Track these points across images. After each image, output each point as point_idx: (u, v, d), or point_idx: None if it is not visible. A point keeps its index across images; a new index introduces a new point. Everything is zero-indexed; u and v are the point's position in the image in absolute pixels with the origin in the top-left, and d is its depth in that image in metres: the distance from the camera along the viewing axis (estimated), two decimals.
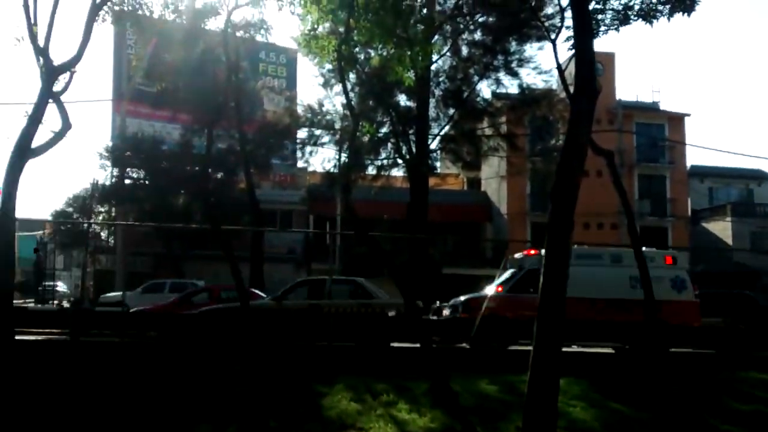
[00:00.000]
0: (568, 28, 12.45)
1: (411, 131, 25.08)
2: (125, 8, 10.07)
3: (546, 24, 18.03)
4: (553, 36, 12.62)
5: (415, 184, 24.89)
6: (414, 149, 24.73)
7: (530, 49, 24.94)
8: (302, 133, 28.56)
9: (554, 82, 24.81)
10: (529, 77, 29.51)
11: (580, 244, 20.36)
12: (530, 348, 7.21)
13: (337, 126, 26.36)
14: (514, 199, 38.20)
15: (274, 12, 68.53)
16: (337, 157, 27.96)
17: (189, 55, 13.28)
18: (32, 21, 8.29)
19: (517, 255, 18.07)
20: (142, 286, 27.98)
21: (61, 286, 47.33)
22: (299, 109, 28.01)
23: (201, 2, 12.55)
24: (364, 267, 27.23)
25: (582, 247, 18.93)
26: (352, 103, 13.41)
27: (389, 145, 25.91)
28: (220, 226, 9.92)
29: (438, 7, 23.21)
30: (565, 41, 11.56)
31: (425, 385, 9.91)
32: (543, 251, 7.46)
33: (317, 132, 26.87)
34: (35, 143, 8.90)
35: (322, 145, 27.11)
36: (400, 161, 25.96)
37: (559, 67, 12.42)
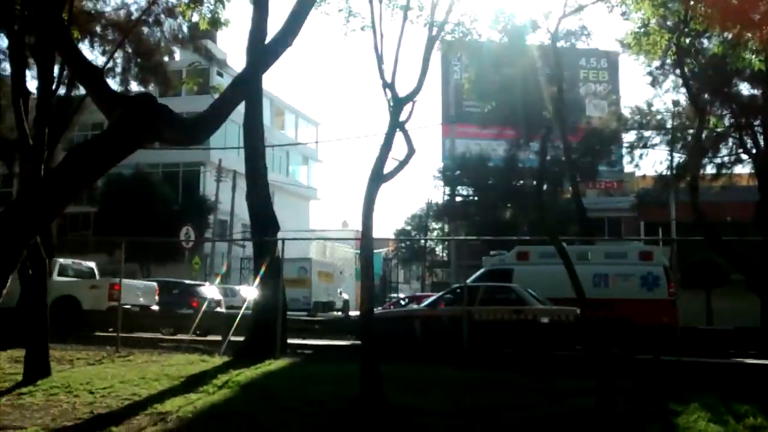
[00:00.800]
0: None
1: (756, 122, 22.45)
2: (455, 36, 10.74)
3: None
4: None
5: (765, 180, 22.12)
6: (762, 142, 22.08)
7: None
8: (629, 137, 27.39)
9: None
10: None
11: None
12: None
13: (669, 125, 24.74)
14: None
15: (594, 16, 67.09)
16: (669, 158, 26.30)
17: (513, 72, 13.67)
18: (381, 60, 9.26)
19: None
20: None
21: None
22: (626, 112, 26.94)
23: (524, 18, 12.82)
24: (703, 275, 24.96)
25: (546, 246, 16.66)
26: (689, 97, 12.44)
27: (730, 140, 23.54)
28: (557, 237, 9.91)
29: None
30: None
31: None
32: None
33: (647, 133, 25.52)
34: (384, 169, 9.93)
35: (653, 146, 25.74)
36: (744, 156, 23.43)
37: None
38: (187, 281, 24.00)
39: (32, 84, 11.41)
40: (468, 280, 18.23)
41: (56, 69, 10.67)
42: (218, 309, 20.66)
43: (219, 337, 15.38)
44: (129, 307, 18.03)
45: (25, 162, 10.14)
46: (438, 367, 11.74)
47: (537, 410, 8.52)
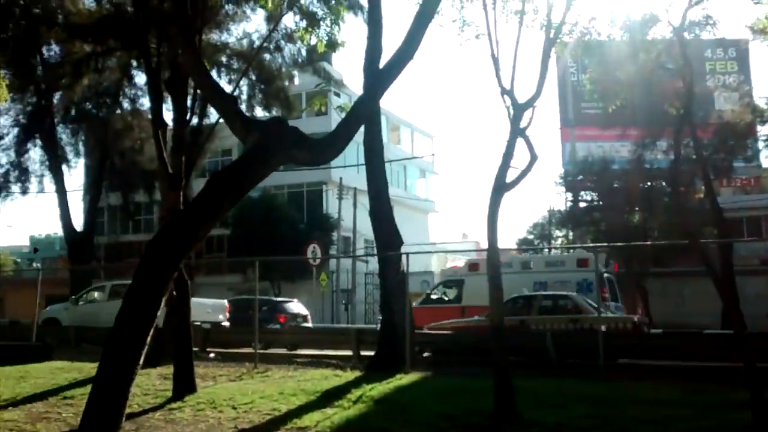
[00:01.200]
0: None
1: None
2: (573, 36, 10.45)
3: None
4: None
5: None
6: None
7: None
8: (766, 129, 25.55)
9: None
10: None
11: None
12: None
13: None
14: None
15: (718, 4, 63.08)
16: None
17: (635, 69, 13.12)
18: (498, 67, 9.15)
19: None
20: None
21: None
22: (761, 102, 25.14)
23: (643, 12, 12.30)
24: None
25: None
26: None
27: None
28: (698, 241, 9.33)
29: None
30: None
31: None
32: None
33: None
34: (506, 178, 9.75)
35: None
36: None
37: None
38: (275, 299, 24.99)
39: (166, 116, 12.18)
40: (428, 290, 19.76)
41: (188, 101, 11.33)
42: (305, 324, 21.97)
43: (350, 352, 15.67)
44: (199, 323, 18.97)
45: (166, 189, 10.81)
46: (569, 380, 11.35)
47: (684, 425, 8.03)
